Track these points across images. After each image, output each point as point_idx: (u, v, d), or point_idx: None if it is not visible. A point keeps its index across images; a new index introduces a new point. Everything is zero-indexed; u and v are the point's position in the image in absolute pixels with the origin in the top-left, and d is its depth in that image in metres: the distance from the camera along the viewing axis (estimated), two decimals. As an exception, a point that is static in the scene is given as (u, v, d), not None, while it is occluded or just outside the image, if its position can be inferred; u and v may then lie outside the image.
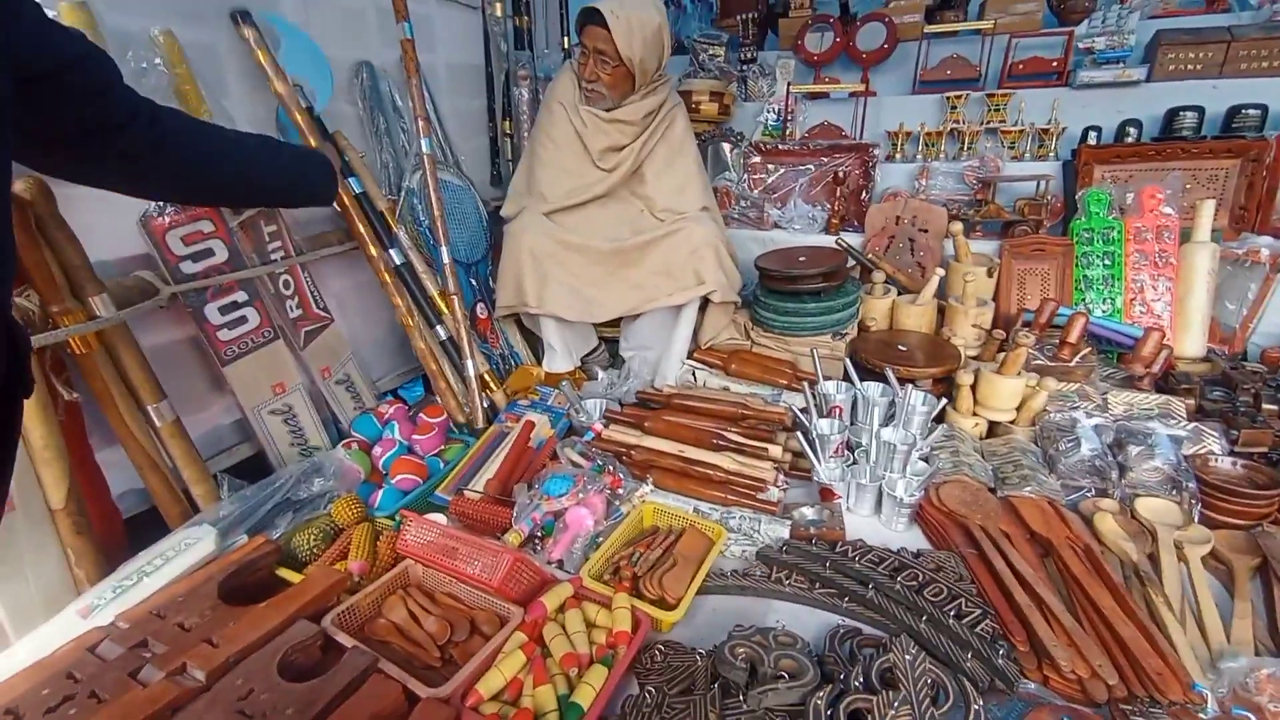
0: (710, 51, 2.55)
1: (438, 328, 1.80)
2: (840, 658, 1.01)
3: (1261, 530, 1.20)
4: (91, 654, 0.86)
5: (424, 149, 1.73)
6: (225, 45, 1.42)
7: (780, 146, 2.38)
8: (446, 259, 1.75)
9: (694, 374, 1.83)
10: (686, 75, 2.51)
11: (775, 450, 1.42)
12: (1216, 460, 1.33)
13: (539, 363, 2.00)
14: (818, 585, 1.17)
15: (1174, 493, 1.29)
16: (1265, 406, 1.43)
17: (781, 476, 1.40)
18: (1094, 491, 1.36)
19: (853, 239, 2.15)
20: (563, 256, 1.81)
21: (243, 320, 1.42)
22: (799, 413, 1.55)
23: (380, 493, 1.40)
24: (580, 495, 1.31)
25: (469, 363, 1.77)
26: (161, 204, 1.26)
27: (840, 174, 2.26)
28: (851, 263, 2.06)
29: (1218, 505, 1.25)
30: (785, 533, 1.28)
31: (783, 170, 2.39)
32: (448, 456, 1.61)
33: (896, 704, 0.87)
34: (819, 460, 1.42)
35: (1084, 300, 1.89)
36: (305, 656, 0.91)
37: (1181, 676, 0.90)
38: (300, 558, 1.18)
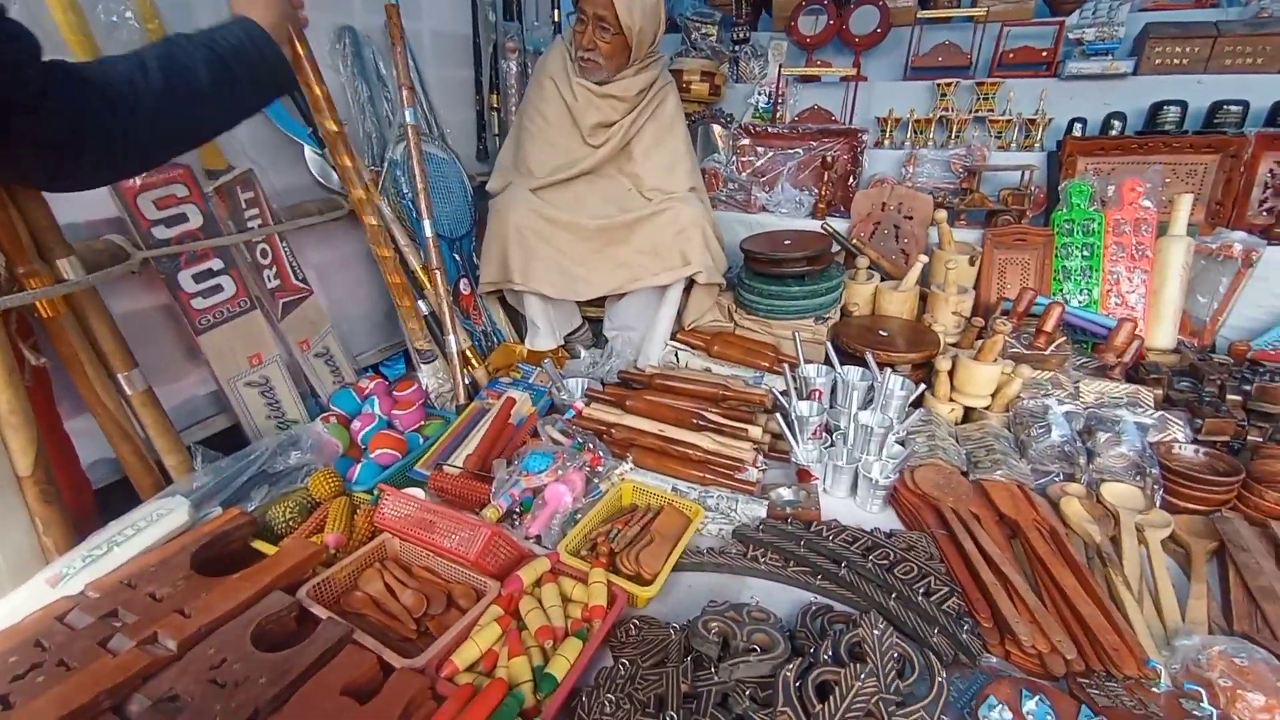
0: (703, 30, 2.52)
1: (419, 303, 1.78)
2: (811, 633, 1.03)
3: (1220, 515, 1.24)
4: (60, 623, 0.85)
5: (407, 119, 1.70)
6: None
7: (770, 129, 2.37)
8: (430, 233, 1.73)
9: (676, 355, 1.84)
10: (678, 54, 2.48)
11: (754, 431, 1.43)
12: (1180, 448, 1.37)
13: (521, 340, 1.99)
14: (792, 563, 1.19)
15: (1138, 478, 1.32)
16: (1229, 397, 1.47)
17: (760, 457, 1.42)
18: (1062, 476, 1.40)
19: (839, 224, 2.16)
20: (549, 233, 1.79)
21: (218, 289, 1.40)
22: (779, 395, 1.56)
23: (358, 467, 1.40)
24: (559, 472, 1.32)
25: (450, 338, 1.75)
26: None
27: (828, 159, 2.26)
28: (836, 247, 2.06)
29: (1179, 491, 1.29)
30: (762, 512, 1.29)
31: (771, 153, 2.38)
32: (427, 432, 1.61)
33: (863, 676, 0.89)
34: (797, 442, 1.44)
35: (1062, 290, 1.92)
36: (279, 627, 0.91)
37: (1137, 652, 0.93)
38: (276, 530, 1.18)
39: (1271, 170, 1.84)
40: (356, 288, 1.89)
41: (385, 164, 1.80)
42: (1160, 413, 1.46)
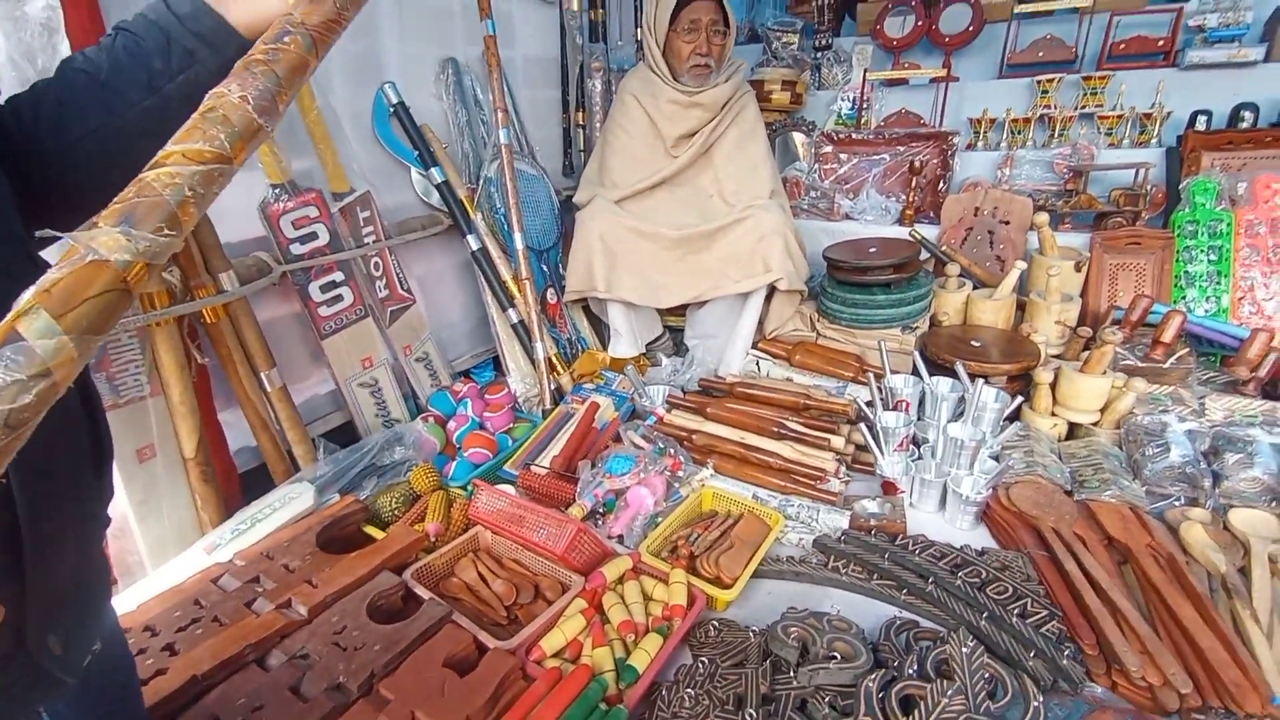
0: (784, 39, 2.52)
1: (509, 311, 1.89)
2: (895, 647, 1.01)
3: (1377, 550, 1.10)
4: (214, 585, 0.99)
5: (501, 139, 1.82)
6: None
7: (854, 135, 2.33)
8: (520, 245, 1.84)
9: (758, 364, 1.84)
10: (760, 64, 2.49)
11: (837, 441, 1.42)
12: (1326, 472, 1.23)
13: (605, 348, 2.06)
14: (875, 576, 1.17)
15: (1273, 504, 1.20)
16: (1391, 417, 1.30)
17: (843, 468, 1.40)
18: (1184, 500, 1.29)
19: (928, 231, 2.09)
20: (632, 243, 1.86)
21: (339, 298, 1.55)
22: (864, 405, 1.53)
23: (454, 464, 1.49)
24: (641, 475, 1.36)
25: (539, 345, 1.85)
26: (276, 191, 1.39)
27: (917, 163, 2.19)
28: (925, 255, 2.00)
29: (1325, 520, 1.15)
30: (844, 523, 1.28)
31: (856, 160, 2.34)
32: (516, 434, 1.69)
33: (950, 693, 0.87)
34: (882, 453, 1.41)
35: (1184, 297, 1.76)
36: (389, 603, 1.01)
37: (1261, 690, 0.85)
38: (384, 517, 1.29)
39: None
40: (453, 297, 2.03)
41: (481, 181, 1.93)
42: (1302, 433, 1.31)
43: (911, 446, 1.44)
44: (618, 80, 2.17)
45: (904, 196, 2.22)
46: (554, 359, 1.93)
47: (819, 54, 2.57)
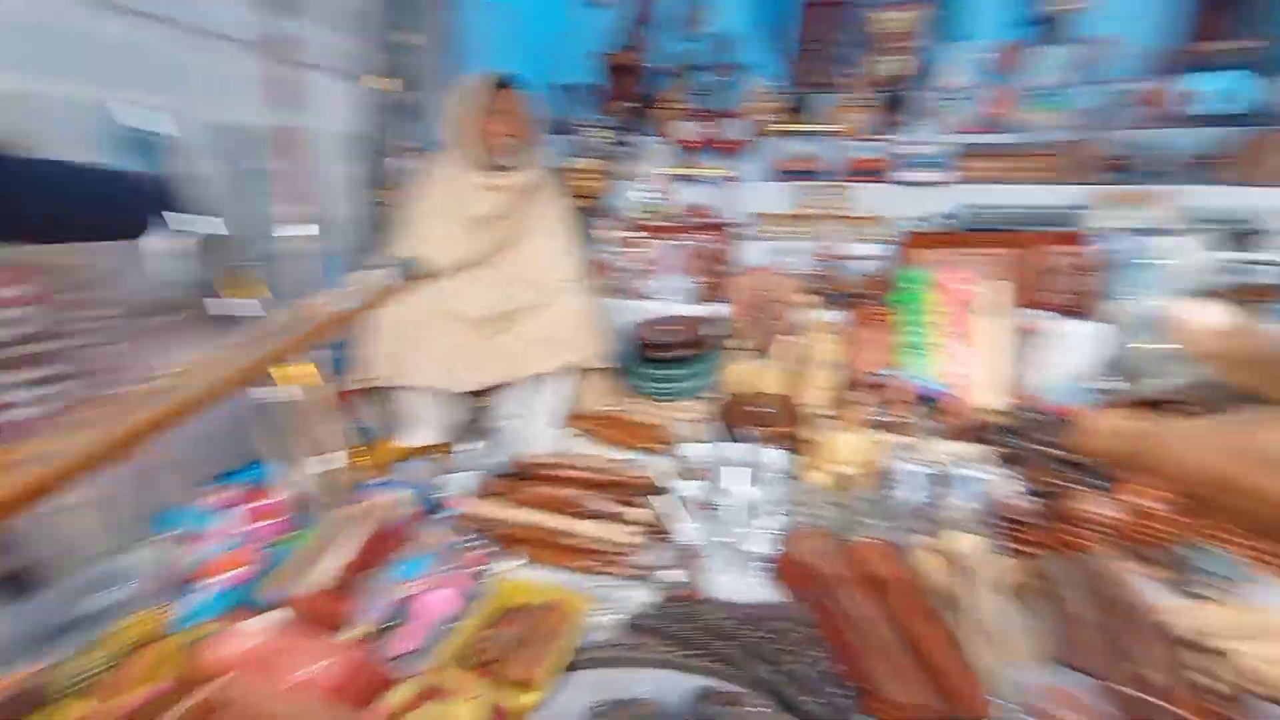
0: (592, 133, 2.75)
1: (286, 398, 1.72)
2: (701, 718, 1.05)
3: (1048, 557, 1.40)
4: None
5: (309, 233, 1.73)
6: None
7: (654, 223, 2.57)
8: (313, 328, 1.71)
9: (567, 441, 1.87)
10: (570, 154, 2.68)
11: (640, 514, 1.47)
12: (1012, 498, 1.55)
13: (401, 436, 1.94)
14: (683, 647, 1.20)
15: (981, 529, 1.48)
16: (1043, 449, 1.70)
17: (646, 540, 1.45)
18: (920, 533, 1.53)
19: (720, 309, 2.34)
20: (429, 325, 1.82)
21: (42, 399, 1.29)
22: (665, 476, 1.62)
23: (195, 597, 1.25)
24: (437, 577, 1.27)
25: (323, 438, 1.69)
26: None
27: (708, 249, 2.47)
28: (718, 331, 2.23)
29: (1015, 537, 1.45)
30: (652, 596, 1.32)
31: (657, 244, 2.58)
32: (288, 547, 1.44)
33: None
34: (682, 521, 1.50)
35: (909, 362, 2.17)
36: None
37: (980, 690, 1.02)
38: (79, 688, 1.02)
39: (1058, 261, 2.23)
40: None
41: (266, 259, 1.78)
42: (996, 468, 1.65)
43: (710, 511, 1.55)
44: (426, 159, 2.18)
45: (700, 278, 2.47)
46: (344, 451, 1.78)
47: (622, 148, 2.84)
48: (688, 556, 1.45)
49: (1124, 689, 1.03)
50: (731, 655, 1.16)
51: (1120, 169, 2.36)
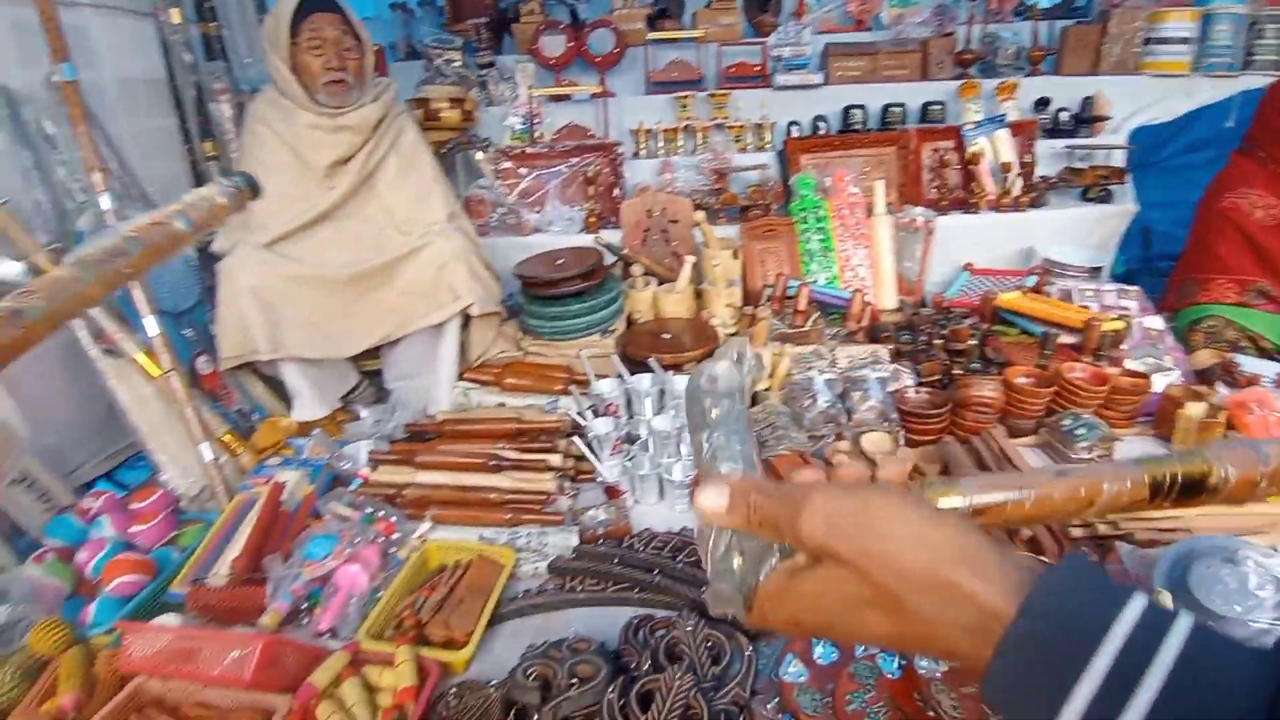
0: (445, 57, 2.46)
1: (148, 390, 1.50)
2: (634, 646, 1.04)
3: (942, 442, 1.49)
4: None
5: (105, 206, 1.45)
6: None
7: (529, 150, 2.38)
8: (145, 308, 1.46)
9: (467, 394, 1.76)
10: (423, 82, 2.39)
11: (555, 459, 1.42)
12: (909, 392, 1.63)
13: (289, 412, 1.76)
14: (610, 584, 1.19)
15: (885, 424, 1.55)
16: (935, 342, 1.79)
17: (567, 484, 1.41)
18: (832, 437, 1.59)
19: (612, 236, 2.24)
20: (293, 292, 1.61)
21: None
22: (576, 416, 1.57)
23: (93, 606, 1.18)
24: (348, 551, 1.20)
25: (194, 426, 1.50)
26: None
27: (591, 173, 2.33)
28: (611, 259, 2.14)
29: (913, 428, 1.53)
30: (576, 540, 1.29)
31: (535, 173, 2.40)
32: (184, 543, 1.37)
33: (680, 674, 0.92)
34: (600, 460, 1.46)
35: (809, 271, 2.19)
36: None
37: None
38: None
39: (931, 157, 2.30)
40: (59, 391, 1.56)
41: (73, 237, 1.49)
42: (893, 365, 1.72)
43: (626, 446, 1.51)
44: (250, 102, 1.87)
45: (585, 205, 2.34)
46: (225, 438, 1.59)
47: (483, 71, 2.57)
48: (612, 494, 1.42)
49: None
50: (659, 584, 1.16)
51: (971, 63, 2.45)
